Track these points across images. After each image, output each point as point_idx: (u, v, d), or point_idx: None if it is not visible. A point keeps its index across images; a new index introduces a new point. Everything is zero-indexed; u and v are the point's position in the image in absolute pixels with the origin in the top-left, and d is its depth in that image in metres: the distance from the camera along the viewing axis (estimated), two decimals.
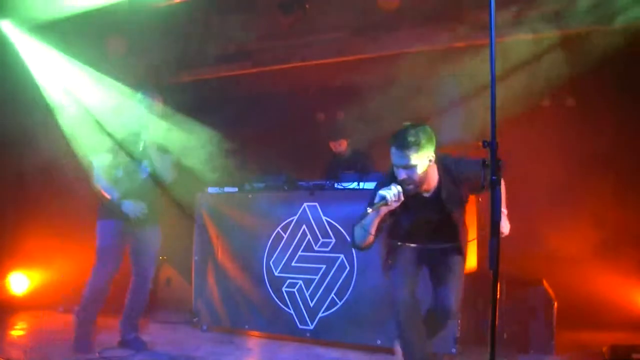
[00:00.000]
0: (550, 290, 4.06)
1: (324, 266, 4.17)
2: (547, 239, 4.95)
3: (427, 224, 2.90)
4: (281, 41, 5.46)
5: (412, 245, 2.94)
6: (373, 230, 2.72)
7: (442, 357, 3.72)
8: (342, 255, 4.09)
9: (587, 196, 4.87)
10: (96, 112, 4.23)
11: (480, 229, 3.89)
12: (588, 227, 4.88)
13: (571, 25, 4.14)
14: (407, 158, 2.63)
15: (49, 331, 4.59)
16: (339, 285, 4.10)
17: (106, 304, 5.68)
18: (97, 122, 4.08)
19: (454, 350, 3.69)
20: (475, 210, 4.34)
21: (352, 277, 4.05)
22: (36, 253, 5.53)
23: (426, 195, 2.84)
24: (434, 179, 2.80)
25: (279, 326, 4.31)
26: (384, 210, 2.67)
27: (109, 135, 3.91)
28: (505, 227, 2.90)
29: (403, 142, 2.63)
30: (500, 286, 2.08)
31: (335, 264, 4.12)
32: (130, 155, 3.87)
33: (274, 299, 4.34)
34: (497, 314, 2.05)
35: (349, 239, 3.48)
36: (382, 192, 2.63)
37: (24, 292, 5.56)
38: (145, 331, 4.58)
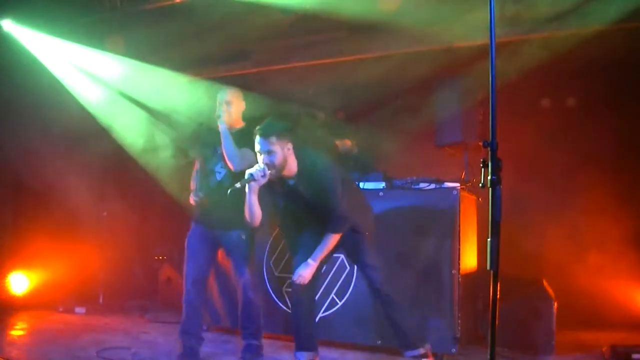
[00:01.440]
0: (550, 290, 4.06)
1: (324, 266, 4.15)
2: (547, 239, 4.95)
3: (299, 211, 3.28)
4: (281, 41, 5.45)
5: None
6: (256, 209, 3.14)
7: (442, 357, 3.72)
8: (342, 256, 4.08)
9: (587, 195, 4.87)
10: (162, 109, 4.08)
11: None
12: (588, 227, 4.89)
13: (570, 25, 4.14)
14: (269, 144, 3.05)
15: (49, 331, 4.59)
16: (339, 285, 4.10)
17: (107, 305, 5.76)
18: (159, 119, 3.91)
19: (454, 350, 3.69)
20: (475, 211, 4.35)
21: (352, 277, 4.05)
22: (36, 253, 5.53)
23: (290, 182, 3.21)
24: (293, 166, 3.17)
25: (279, 326, 4.30)
26: (255, 186, 3.09)
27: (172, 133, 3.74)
28: (304, 274, 3.26)
29: (265, 131, 3.06)
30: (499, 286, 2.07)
31: (335, 264, 4.12)
32: (203, 155, 3.75)
33: (274, 299, 4.34)
34: (497, 314, 2.05)
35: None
36: (248, 170, 3.07)
37: (24, 292, 5.57)
38: (146, 331, 4.59)
